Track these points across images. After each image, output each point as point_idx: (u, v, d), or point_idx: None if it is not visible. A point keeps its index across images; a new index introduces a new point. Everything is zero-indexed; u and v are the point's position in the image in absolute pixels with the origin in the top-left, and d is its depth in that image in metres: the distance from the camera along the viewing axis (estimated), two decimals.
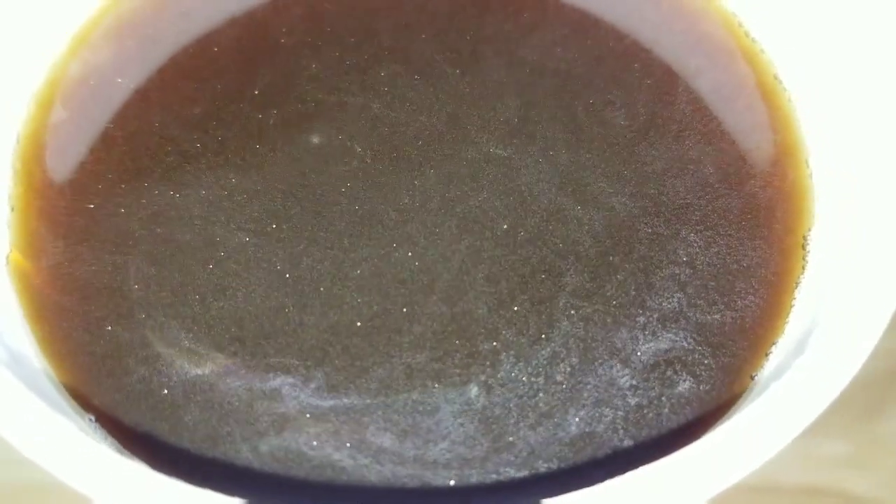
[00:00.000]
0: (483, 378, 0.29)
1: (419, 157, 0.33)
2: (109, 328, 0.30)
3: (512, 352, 0.30)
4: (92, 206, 0.32)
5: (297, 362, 0.29)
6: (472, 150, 0.33)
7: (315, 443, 0.28)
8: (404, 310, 0.30)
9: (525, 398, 0.29)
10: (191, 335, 0.30)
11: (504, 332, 0.30)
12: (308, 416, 0.29)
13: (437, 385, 0.29)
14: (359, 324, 0.30)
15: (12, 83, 0.33)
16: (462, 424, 0.29)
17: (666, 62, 0.36)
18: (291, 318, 0.30)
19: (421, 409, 0.29)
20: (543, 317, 0.30)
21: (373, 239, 0.31)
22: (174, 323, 0.30)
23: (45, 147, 0.33)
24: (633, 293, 0.31)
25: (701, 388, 0.30)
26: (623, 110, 0.34)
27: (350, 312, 0.30)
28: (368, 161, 0.33)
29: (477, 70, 0.35)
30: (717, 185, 0.33)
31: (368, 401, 0.29)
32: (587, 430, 0.29)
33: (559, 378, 0.29)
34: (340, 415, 0.29)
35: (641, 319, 0.30)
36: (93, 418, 0.29)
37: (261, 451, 0.28)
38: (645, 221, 0.32)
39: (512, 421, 0.29)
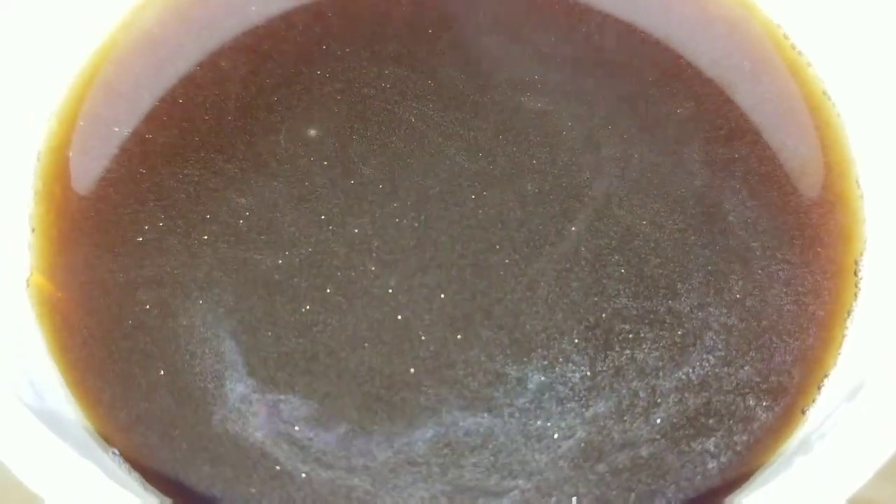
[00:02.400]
0: (537, 417, 0.28)
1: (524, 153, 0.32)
2: (138, 356, 0.29)
3: (564, 386, 0.28)
4: (118, 225, 0.31)
5: (352, 416, 0.28)
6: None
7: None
8: (458, 336, 0.29)
9: (579, 435, 0.28)
10: (243, 373, 0.29)
11: (557, 363, 0.29)
12: (344, 473, 0.28)
13: (480, 421, 0.28)
14: (412, 370, 0.29)
15: (32, 100, 0.32)
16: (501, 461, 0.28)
17: (707, 74, 0.34)
18: (365, 361, 0.29)
19: (457, 447, 0.28)
20: (599, 344, 0.29)
21: (481, 241, 0.30)
22: (218, 356, 0.29)
23: (68, 165, 0.32)
24: (686, 326, 0.29)
25: (749, 424, 0.28)
26: (663, 125, 0.33)
27: (411, 354, 0.29)
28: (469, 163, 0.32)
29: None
30: (764, 209, 0.31)
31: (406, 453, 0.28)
32: (637, 465, 0.28)
33: (608, 411, 0.28)
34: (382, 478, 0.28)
35: (693, 354, 0.29)
36: (117, 452, 0.28)
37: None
38: (700, 252, 0.30)
39: (558, 458, 0.28)
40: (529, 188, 0.31)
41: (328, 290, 0.29)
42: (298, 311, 0.29)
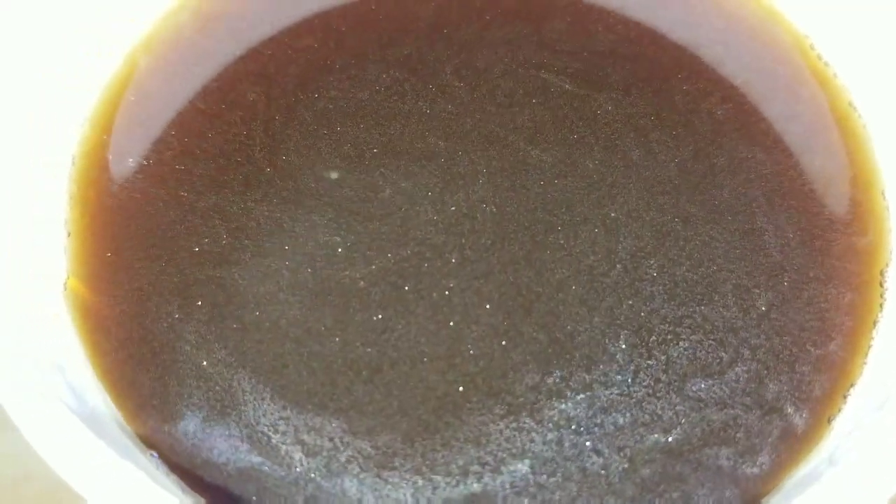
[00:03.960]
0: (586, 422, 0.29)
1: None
2: (171, 357, 0.30)
3: (617, 385, 0.29)
4: (147, 227, 0.32)
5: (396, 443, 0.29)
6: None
7: None
8: (503, 343, 0.29)
9: (603, 442, 0.28)
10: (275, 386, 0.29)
11: (596, 368, 0.29)
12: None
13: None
14: (461, 388, 0.29)
15: (66, 104, 0.33)
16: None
17: (733, 83, 0.34)
18: (423, 378, 0.29)
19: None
20: (641, 346, 0.29)
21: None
22: (276, 361, 0.30)
23: (102, 170, 0.33)
24: (711, 337, 0.30)
25: (776, 434, 0.29)
26: (676, 145, 0.33)
27: (460, 370, 0.29)
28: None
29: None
30: (789, 220, 0.32)
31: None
32: (662, 477, 0.28)
33: (630, 422, 0.29)
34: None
35: (716, 365, 0.29)
36: (155, 454, 0.28)
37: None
38: (724, 265, 0.31)
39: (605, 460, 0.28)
40: (590, 166, 0.32)
41: (406, 288, 0.30)
42: (371, 319, 0.30)
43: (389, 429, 0.28)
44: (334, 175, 0.32)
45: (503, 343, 0.29)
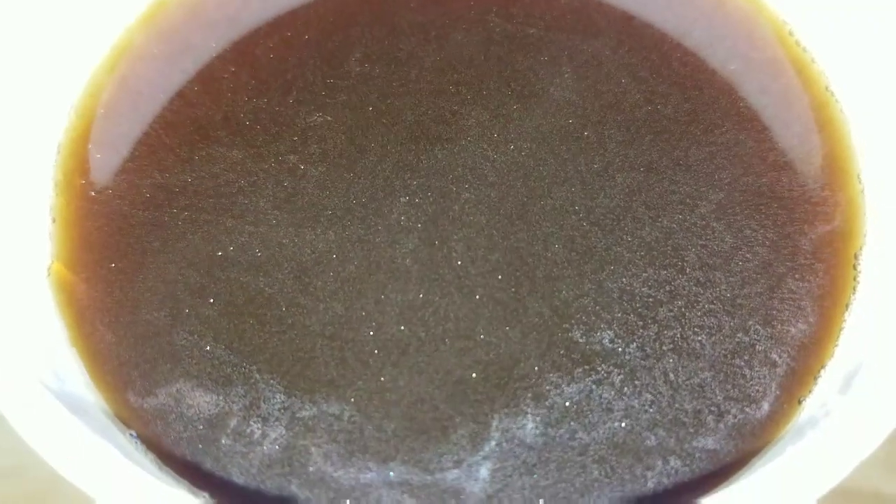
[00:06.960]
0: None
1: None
2: (156, 342, 0.30)
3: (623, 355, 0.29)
4: (135, 217, 0.32)
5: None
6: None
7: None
8: (507, 328, 0.30)
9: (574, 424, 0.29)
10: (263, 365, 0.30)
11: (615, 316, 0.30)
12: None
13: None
14: (474, 375, 0.29)
15: (52, 93, 0.33)
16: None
17: (711, 68, 0.35)
18: (442, 363, 0.29)
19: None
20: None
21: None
22: (233, 349, 0.30)
23: (87, 158, 0.34)
24: (682, 315, 0.30)
25: (746, 413, 0.29)
26: (667, 107, 0.33)
27: (476, 353, 0.30)
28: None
29: None
30: (764, 202, 0.32)
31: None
32: (635, 450, 0.28)
33: (606, 396, 0.29)
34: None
35: (689, 343, 0.30)
36: (134, 434, 0.29)
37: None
38: (698, 242, 0.31)
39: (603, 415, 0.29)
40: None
41: (442, 250, 0.31)
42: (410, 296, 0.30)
43: (403, 417, 0.29)
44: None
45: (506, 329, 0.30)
